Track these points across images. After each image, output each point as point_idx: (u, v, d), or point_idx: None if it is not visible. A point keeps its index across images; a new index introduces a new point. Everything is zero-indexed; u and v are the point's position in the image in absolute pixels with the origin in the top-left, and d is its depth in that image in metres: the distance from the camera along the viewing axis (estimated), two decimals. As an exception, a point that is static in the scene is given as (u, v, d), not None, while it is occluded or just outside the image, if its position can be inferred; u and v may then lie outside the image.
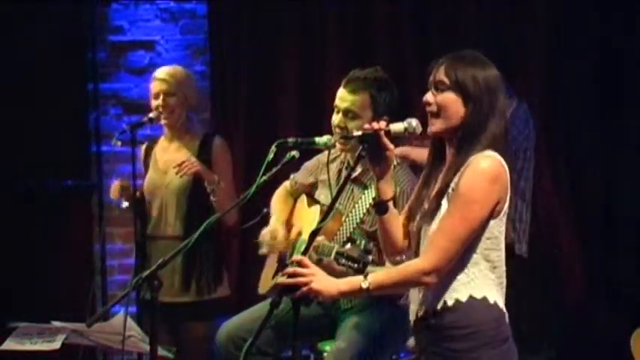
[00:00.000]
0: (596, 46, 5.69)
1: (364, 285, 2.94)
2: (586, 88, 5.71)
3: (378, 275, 2.97)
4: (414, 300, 3.04)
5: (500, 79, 3.00)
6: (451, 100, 2.95)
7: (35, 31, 5.87)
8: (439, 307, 2.94)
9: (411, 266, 2.95)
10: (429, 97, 3.00)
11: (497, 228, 2.95)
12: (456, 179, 2.92)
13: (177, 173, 4.59)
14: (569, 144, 5.73)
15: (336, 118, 3.98)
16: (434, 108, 2.98)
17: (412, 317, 3.04)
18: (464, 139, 2.94)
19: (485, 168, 2.89)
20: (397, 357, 4.23)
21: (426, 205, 3.01)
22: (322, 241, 3.78)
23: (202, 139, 4.79)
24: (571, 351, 5.63)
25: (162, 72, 4.80)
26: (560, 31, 5.72)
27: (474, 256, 2.93)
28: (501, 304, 2.97)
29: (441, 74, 2.97)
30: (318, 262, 3.26)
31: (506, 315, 2.99)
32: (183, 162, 4.58)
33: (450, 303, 2.92)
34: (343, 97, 3.97)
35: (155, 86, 4.77)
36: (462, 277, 2.93)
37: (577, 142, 5.73)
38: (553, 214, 5.66)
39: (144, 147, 4.91)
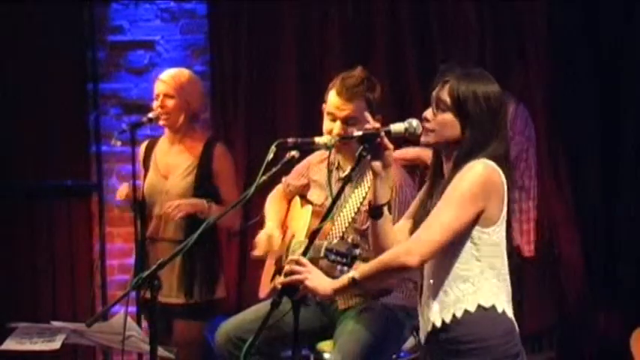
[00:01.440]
0: (596, 46, 5.68)
1: (351, 274, 2.96)
2: (586, 88, 5.70)
3: (364, 265, 3.02)
4: (422, 316, 3.03)
5: (503, 95, 2.97)
6: (450, 122, 2.94)
7: (35, 31, 5.87)
8: (448, 320, 2.92)
9: (389, 252, 2.96)
10: (428, 114, 2.99)
11: (497, 235, 2.93)
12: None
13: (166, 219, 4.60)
14: (569, 144, 5.72)
15: (336, 127, 3.94)
16: (431, 126, 2.98)
17: (422, 334, 3.03)
18: (462, 158, 2.93)
19: (475, 170, 2.89)
20: (397, 357, 4.23)
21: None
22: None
23: (205, 144, 4.71)
24: (571, 351, 5.63)
25: (165, 73, 4.75)
26: (560, 31, 5.71)
27: (480, 264, 2.92)
28: (510, 313, 2.95)
29: (444, 93, 2.95)
30: (312, 262, 3.26)
31: (516, 327, 2.97)
32: (169, 208, 4.55)
33: (458, 315, 2.91)
34: (341, 107, 3.95)
35: (156, 87, 4.73)
36: (468, 287, 2.91)
37: (577, 142, 5.73)
38: (553, 213, 5.65)
39: (143, 146, 4.82)
